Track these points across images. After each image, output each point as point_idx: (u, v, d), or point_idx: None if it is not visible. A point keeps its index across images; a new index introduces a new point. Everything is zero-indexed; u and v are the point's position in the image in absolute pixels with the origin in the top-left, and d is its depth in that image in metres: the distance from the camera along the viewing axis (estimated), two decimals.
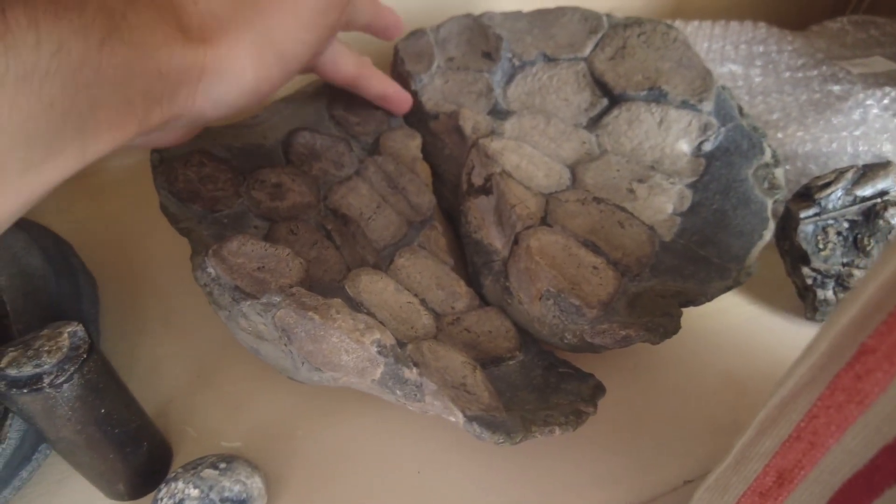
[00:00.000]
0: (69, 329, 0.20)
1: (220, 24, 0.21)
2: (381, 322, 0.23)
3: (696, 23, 0.47)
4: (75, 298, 0.29)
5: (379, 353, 0.19)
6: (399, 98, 0.34)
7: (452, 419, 0.19)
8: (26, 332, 0.25)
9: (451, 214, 0.35)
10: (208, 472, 0.23)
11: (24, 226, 0.31)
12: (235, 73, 0.22)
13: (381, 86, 0.33)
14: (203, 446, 0.27)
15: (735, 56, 0.43)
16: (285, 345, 0.21)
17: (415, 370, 0.19)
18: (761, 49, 0.44)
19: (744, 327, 0.33)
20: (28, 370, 0.19)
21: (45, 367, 0.19)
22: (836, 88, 0.40)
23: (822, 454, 0.14)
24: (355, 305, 0.24)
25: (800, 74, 0.41)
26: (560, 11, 0.37)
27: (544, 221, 0.27)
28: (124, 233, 0.37)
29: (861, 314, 0.11)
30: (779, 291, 0.34)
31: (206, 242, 0.24)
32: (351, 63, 0.31)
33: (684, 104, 0.32)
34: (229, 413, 0.28)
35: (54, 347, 0.20)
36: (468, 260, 0.30)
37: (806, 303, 0.33)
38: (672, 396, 0.29)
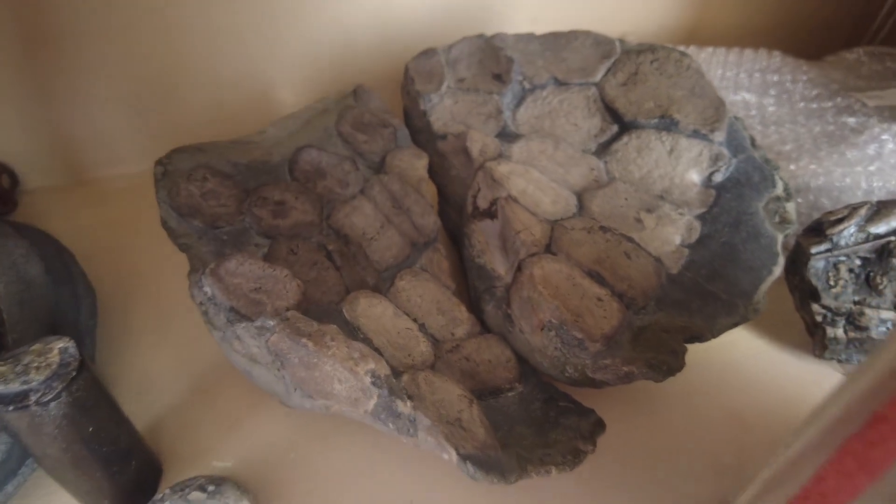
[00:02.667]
0: (60, 345, 0.20)
1: None
2: (377, 349, 0.22)
3: (710, 49, 0.46)
4: (73, 309, 0.29)
5: (373, 383, 0.19)
6: None
7: (446, 457, 0.19)
8: (21, 343, 0.25)
9: (456, 236, 0.34)
10: (196, 495, 0.22)
11: (26, 232, 0.31)
12: None
13: None
14: (194, 465, 0.26)
15: (749, 84, 0.43)
16: (278, 370, 0.20)
17: (409, 403, 0.19)
18: (776, 78, 0.43)
19: (750, 362, 0.33)
20: (15, 386, 0.19)
21: (33, 383, 0.19)
22: (851, 121, 0.39)
23: None
24: (352, 330, 0.23)
25: (814, 105, 0.41)
26: (572, 35, 0.37)
27: (549, 249, 0.26)
28: (127, 242, 0.37)
29: (875, 381, 0.10)
30: (787, 326, 0.33)
31: (204, 259, 0.23)
32: None
33: (695, 133, 0.32)
34: (223, 432, 0.27)
35: (43, 364, 0.19)
36: (470, 284, 0.29)
37: (815, 340, 0.32)
38: (673, 433, 0.28)
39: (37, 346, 0.20)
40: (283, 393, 0.22)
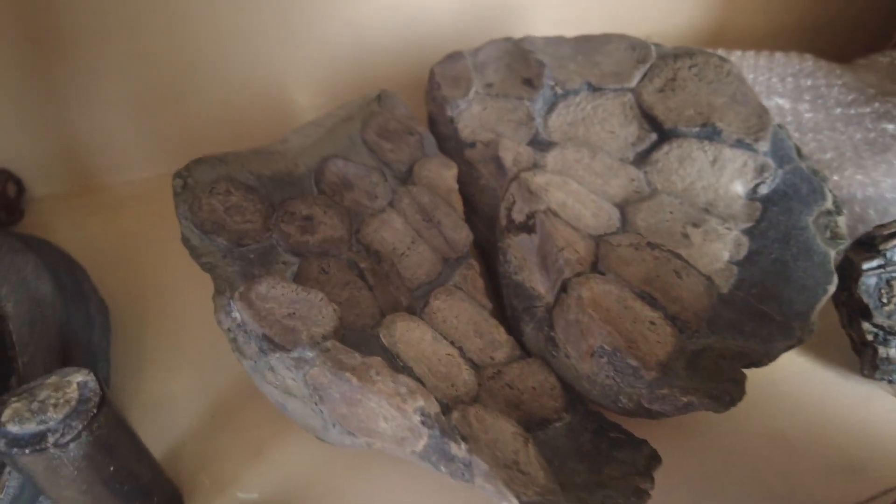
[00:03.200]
0: (78, 378, 0.18)
1: None
2: (418, 378, 0.21)
3: (738, 53, 0.45)
4: (86, 328, 0.27)
5: (422, 422, 0.17)
6: None
7: None
8: (32, 367, 0.23)
9: (485, 248, 0.33)
10: None
11: (35, 246, 0.29)
12: None
13: None
14: (217, 497, 0.25)
15: (782, 90, 0.41)
16: (315, 404, 0.19)
17: (464, 446, 0.17)
18: (809, 83, 0.42)
19: (794, 381, 0.31)
20: (31, 426, 0.17)
21: (51, 423, 0.17)
22: (891, 127, 0.38)
23: None
24: (390, 357, 0.22)
25: (852, 111, 0.40)
26: (605, 38, 0.35)
27: (595, 267, 0.25)
28: (139, 253, 0.35)
29: None
30: (831, 344, 0.32)
31: (230, 281, 0.22)
32: None
33: (739, 143, 0.30)
34: (247, 460, 0.26)
35: (61, 400, 0.18)
36: (507, 303, 0.28)
37: (863, 359, 0.30)
38: (720, 459, 0.27)
39: (53, 379, 0.18)
40: (319, 428, 0.20)
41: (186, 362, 0.29)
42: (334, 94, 0.42)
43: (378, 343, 0.22)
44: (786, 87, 0.42)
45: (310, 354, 0.18)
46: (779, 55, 0.44)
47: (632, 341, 0.22)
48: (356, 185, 0.28)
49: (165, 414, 0.27)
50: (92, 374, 0.18)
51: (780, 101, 0.41)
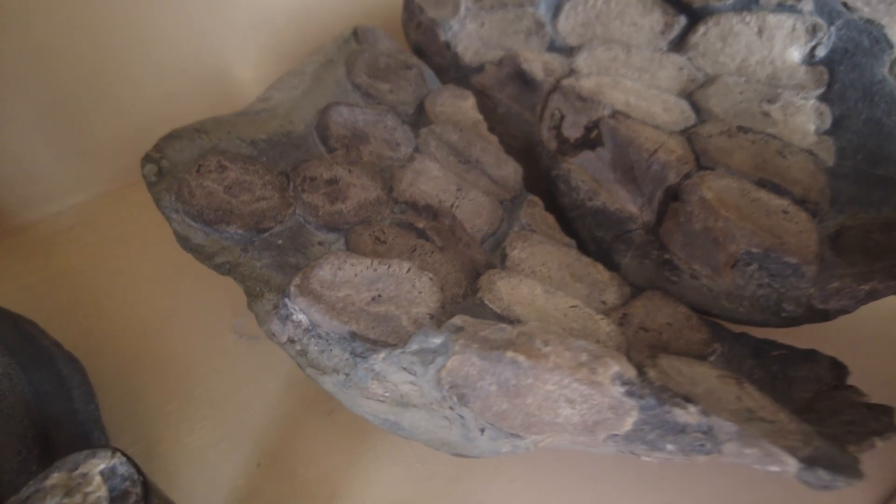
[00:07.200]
0: (100, 466, 0.12)
1: None
2: None
3: None
4: (62, 395, 0.20)
5: (628, 392, 0.12)
6: None
7: (776, 469, 0.12)
8: (10, 472, 0.17)
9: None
10: None
11: None
12: None
13: None
14: None
15: None
16: (451, 408, 0.13)
17: (693, 409, 0.12)
18: None
19: None
20: None
21: None
22: None
23: None
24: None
25: None
26: None
27: (699, 164, 0.20)
28: (94, 291, 0.27)
29: None
30: None
31: (266, 278, 0.16)
32: None
33: (780, 6, 0.27)
34: None
35: None
36: (587, 236, 0.23)
37: None
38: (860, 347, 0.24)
39: (59, 478, 0.12)
40: (459, 440, 0.14)
41: (201, 406, 0.23)
42: (279, 58, 0.35)
43: (488, 311, 0.16)
44: None
45: (436, 341, 0.13)
46: None
47: (777, 236, 0.18)
48: (371, 134, 0.22)
49: (199, 477, 0.21)
50: (119, 454, 0.12)
51: None
